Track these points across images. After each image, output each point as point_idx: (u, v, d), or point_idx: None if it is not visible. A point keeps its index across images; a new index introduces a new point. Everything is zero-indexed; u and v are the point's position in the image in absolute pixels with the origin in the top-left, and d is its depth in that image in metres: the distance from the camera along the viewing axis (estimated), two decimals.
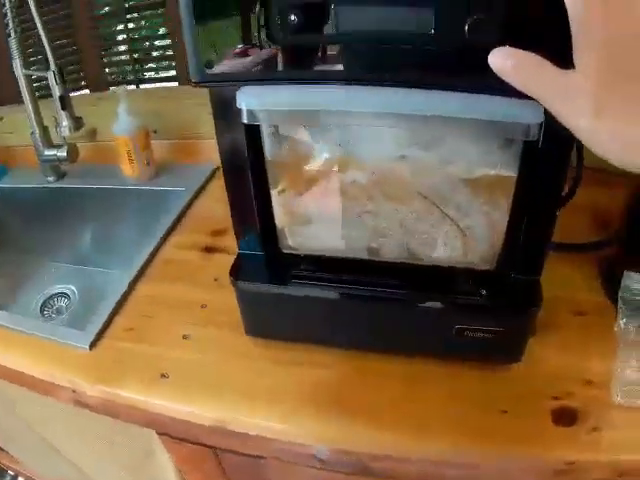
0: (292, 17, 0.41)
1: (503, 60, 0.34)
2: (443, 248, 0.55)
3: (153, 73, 1.08)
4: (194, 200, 0.92)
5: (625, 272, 0.59)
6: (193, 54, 0.45)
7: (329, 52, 0.43)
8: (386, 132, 0.49)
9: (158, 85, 1.09)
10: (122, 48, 1.07)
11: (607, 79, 0.30)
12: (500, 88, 0.41)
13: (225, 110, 0.50)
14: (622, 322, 0.58)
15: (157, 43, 1.07)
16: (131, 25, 1.04)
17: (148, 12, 1.04)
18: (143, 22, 1.04)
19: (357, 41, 0.42)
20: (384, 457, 0.58)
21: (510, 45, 0.35)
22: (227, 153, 0.54)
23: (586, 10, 0.30)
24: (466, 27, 0.39)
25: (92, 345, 0.67)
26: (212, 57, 0.45)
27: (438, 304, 0.57)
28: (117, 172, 0.95)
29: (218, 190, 0.95)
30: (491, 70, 0.39)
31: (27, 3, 0.80)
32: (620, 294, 0.59)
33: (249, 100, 0.47)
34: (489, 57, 0.35)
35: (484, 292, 0.56)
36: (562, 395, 0.57)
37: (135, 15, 1.02)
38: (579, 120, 0.32)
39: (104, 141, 1.00)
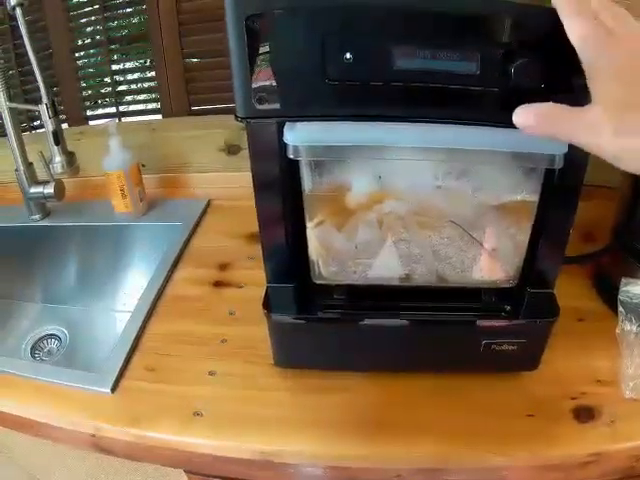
0: (347, 55, 0.43)
1: (526, 118, 0.39)
2: (471, 270, 0.59)
3: (136, 106, 1.06)
4: (192, 235, 0.92)
5: (623, 278, 0.66)
6: (242, 89, 0.45)
7: (379, 90, 0.45)
8: (423, 164, 0.53)
9: (141, 118, 1.07)
10: (103, 81, 1.05)
11: (621, 102, 0.35)
12: None
13: (263, 143, 0.51)
14: (623, 324, 0.65)
15: (139, 75, 1.05)
16: (112, 57, 1.02)
17: (130, 45, 1.02)
18: (125, 55, 1.03)
19: (408, 80, 0.44)
20: (423, 471, 0.61)
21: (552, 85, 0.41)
22: (262, 187, 0.54)
23: (593, 45, 0.35)
24: (512, 69, 0.43)
25: (113, 388, 0.66)
26: (261, 92, 0.45)
27: (468, 323, 0.61)
28: (106, 208, 0.93)
29: (214, 224, 0.96)
30: None
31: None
32: (620, 298, 0.65)
33: (297, 136, 0.48)
34: (513, 117, 0.40)
35: (508, 308, 0.61)
36: (578, 395, 0.62)
37: (116, 47, 1.01)
38: (601, 144, 0.36)
39: (88, 177, 0.98)
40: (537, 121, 0.38)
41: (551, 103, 0.38)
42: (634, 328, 0.64)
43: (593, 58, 0.36)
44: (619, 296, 0.66)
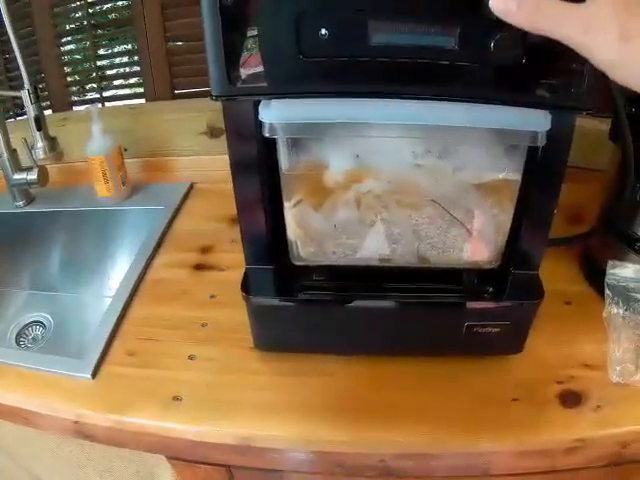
0: (323, 31, 0.42)
1: (506, 1, 0.34)
2: (453, 251, 0.58)
3: (120, 90, 1.06)
4: (174, 219, 0.91)
5: (610, 261, 0.65)
6: (216, 67, 0.44)
7: (355, 66, 0.44)
8: (402, 142, 0.52)
9: (124, 102, 1.06)
10: (87, 66, 1.04)
11: (627, 2, 0.31)
12: (515, 99, 0.45)
13: (239, 123, 0.50)
14: (610, 307, 0.64)
15: (123, 60, 1.04)
16: (97, 42, 1.02)
17: (114, 29, 1.02)
18: (109, 40, 1.02)
19: (385, 56, 0.43)
20: (407, 456, 0.60)
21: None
22: (239, 167, 0.54)
23: None
24: (492, 44, 0.42)
25: (94, 374, 0.65)
26: (235, 70, 0.44)
27: (449, 305, 0.60)
28: (90, 193, 0.92)
29: (196, 208, 0.95)
30: (510, 83, 0.42)
31: None
32: (607, 281, 0.65)
33: (272, 113, 0.47)
34: (490, 1, 0.34)
35: (490, 289, 0.60)
36: (564, 379, 0.61)
37: (100, 32, 1.00)
38: (604, 48, 0.32)
39: (71, 162, 0.97)
40: (520, 6, 0.33)
41: None
42: (621, 311, 0.63)
43: None
44: (606, 279, 0.65)
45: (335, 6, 0.42)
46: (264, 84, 0.45)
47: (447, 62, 0.43)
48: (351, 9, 0.42)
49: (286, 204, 0.56)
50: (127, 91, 1.07)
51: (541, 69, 0.43)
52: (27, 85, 0.80)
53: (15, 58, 0.81)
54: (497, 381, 0.61)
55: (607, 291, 0.64)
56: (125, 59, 1.04)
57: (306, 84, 0.46)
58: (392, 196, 0.54)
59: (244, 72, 0.45)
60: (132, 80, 1.05)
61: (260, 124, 0.48)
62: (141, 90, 1.03)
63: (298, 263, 0.60)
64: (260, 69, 0.44)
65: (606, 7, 0.31)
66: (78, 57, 1.06)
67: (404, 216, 0.56)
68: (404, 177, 0.53)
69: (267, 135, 0.48)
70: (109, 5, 1.00)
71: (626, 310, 0.63)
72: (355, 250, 0.58)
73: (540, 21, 0.33)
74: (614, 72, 0.33)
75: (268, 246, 0.58)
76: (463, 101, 0.45)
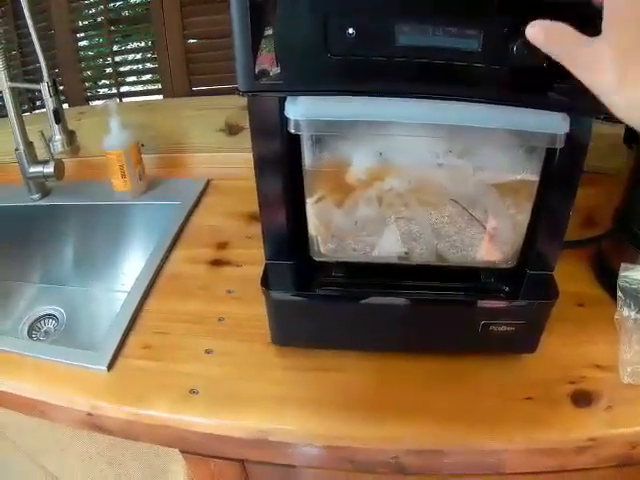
0: (350, 31, 0.43)
1: (539, 31, 0.38)
2: (471, 250, 0.59)
3: (137, 87, 1.06)
4: (190, 215, 0.92)
5: (622, 264, 0.66)
6: (243, 63, 0.45)
7: (381, 66, 0.44)
8: (424, 141, 0.53)
9: (141, 98, 1.07)
10: (104, 61, 1.05)
11: (630, 49, 0.33)
12: (536, 101, 0.46)
13: (264, 118, 0.51)
14: (621, 309, 0.65)
15: (140, 56, 1.05)
16: (114, 38, 1.03)
17: (132, 26, 1.03)
18: (126, 36, 1.03)
19: (410, 57, 0.44)
20: (419, 452, 0.60)
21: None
22: (262, 162, 0.54)
23: None
24: (514, 47, 0.43)
25: (110, 366, 0.66)
26: (262, 67, 0.45)
27: (466, 303, 0.60)
28: (106, 188, 0.93)
29: (213, 204, 0.96)
30: (531, 85, 0.43)
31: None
32: (619, 284, 0.65)
33: (298, 110, 0.48)
34: (527, 29, 0.38)
35: (507, 289, 0.61)
36: (576, 379, 0.62)
37: (118, 28, 1.01)
38: (603, 85, 0.35)
39: (88, 156, 0.98)
40: (545, 38, 0.37)
41: (564, 25, 0.36)
42: (632, 314, 0.64)
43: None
44: (618, 282, 0.66)
45: (363, 7, 0.43)
46: (292, 81, 0.46)
47: (470, 64, 0.44)
48: (378, 10, 0.43)
49: (308, 200, 0.56)
50: (144, 87, 1.08)
51: (562, 72, 0.44)
52: (46, 78, 0.81)
53: (31, 52, 0.82)
54: (510, 380, 0.62)
55: (619, 293, 0.65)
56: (143, 55, 1.05)
57: (333, 82, 0.46)
58: (413, 194, 0.55)
59: (271, 69, 0.46)
60: (149, 76, 1.06)
61: (285, 120, 0.48)
62: (156, 86, 1.05)
63: (318, 259, 0.61)
64: (288, 66, 0.45)
65: (607, 49, 0.34)
66: (95, 52, 1.07)
67: (424, 214, 0.57)
68: (425, 176, 0.54)
69: (292, 131, 0.49)
70: (127, 1, 1.00)
71: (637, 312, 0.64)
72: (376, 247, 0.59)
73: (559, 54, 0.37)
74: (614, 111, 0.35)
75: (288, 241, 0.59)
76: (485, 102, 0.46)
